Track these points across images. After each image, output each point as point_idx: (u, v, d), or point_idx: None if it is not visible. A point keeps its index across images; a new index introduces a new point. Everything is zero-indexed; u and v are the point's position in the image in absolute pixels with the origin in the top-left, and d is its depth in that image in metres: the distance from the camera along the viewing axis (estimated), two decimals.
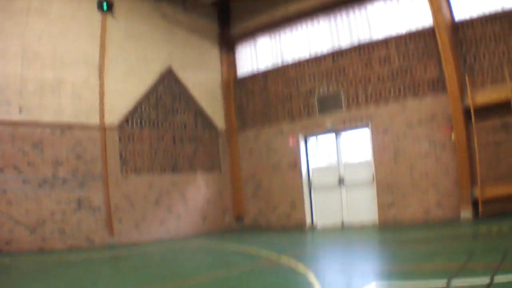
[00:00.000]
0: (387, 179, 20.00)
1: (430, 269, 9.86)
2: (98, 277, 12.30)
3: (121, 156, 20.28)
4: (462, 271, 8.96)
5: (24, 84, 17.66)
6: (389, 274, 10.13)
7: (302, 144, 22.77)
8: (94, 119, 19.56)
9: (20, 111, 17.45)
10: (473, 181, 17.82)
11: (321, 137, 22.51)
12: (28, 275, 12.28)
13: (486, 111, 17.49)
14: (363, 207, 21.01)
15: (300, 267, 11.14)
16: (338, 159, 22.06)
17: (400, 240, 15.39)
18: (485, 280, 7.58)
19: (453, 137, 18.14)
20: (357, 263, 12.27)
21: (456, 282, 8.00)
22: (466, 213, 17.70)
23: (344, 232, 19.95)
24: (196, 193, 23.02)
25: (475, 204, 17.71)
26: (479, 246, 12.53)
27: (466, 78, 17.61)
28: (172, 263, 14.50)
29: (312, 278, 9.87)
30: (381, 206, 20.05)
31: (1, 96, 17.04)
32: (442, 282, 7.96)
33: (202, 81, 24.26)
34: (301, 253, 14.63)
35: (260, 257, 13.96)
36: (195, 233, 22.65)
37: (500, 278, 7.66)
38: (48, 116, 18.29)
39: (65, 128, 18.67)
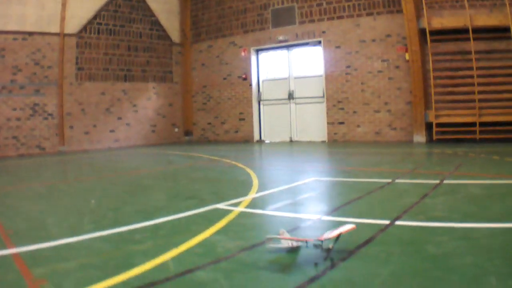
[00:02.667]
0: (338, 96, 21.14)
1: (376, 172, 10.87)
2: (47, 170, 14.43)
3: (77, 63, 21.84)
4: (409, 174, 10.03)
5: None
6: (332, 174, 11.29)
7: (253, 57, 24.18)
8: (55, 28, 20.91)
9: None
10: (427, 104, 18.77)
11: (274, 52, 23.89)
12: None
13: (443, 35, 18.31)
14: (312, 123, 22.45)
15: (239, 165, 12.56)
16: (289, 73, 23.34)
17: (348, 152, 16.37)
18: (432, 181, 8.56)
19: (407, 57, 19.14)
20: (300, 166, 13.41)
21: (400, 180, 9.03)
22: (419, 137, 18.83)
23: (292, 145, 21.21)
24: (147, 103, 24.90)
25: (429, 128, 18.66)
26: (431, 160, 13.75)
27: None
28: (118, 162, 16.15)
29: (249, 170, 11.34)
30: (331, 123, 21.37)
31: None
32: (387, 180, 8.97)
33: None
34: (243, 157, 15.81)
35: (201, 158, 15.66)
36: (144, 143, 24.39)
37: (448, 181, 8.73)
38: (12, 25, 19.70)
39: (26, 35, 20.06)
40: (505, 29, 16.83)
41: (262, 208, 7.01)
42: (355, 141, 20.59)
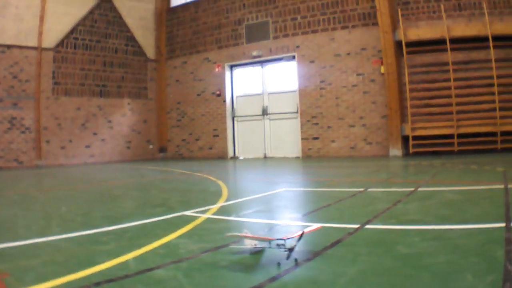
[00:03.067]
0: (312, 111, 21.07)
1: (348, 182, 10.78)
2: (22, 181, 14.34)
3: (54, 77, 21.89)
4: (382, 184, 9.91)
5: None
6: (304, 185, 11.22)
7: (227, 73, 24.16)
8: (33, 41, 21.01)
9: None
10: (403, 117, 18.76)
11: (248, 67, 23.91)
12: None
13: (420, 47, 18.35)
14: (286, 139, 22.36)
15: (211, 178, 12.48)
16: (262, 89, 23.35)
17: (321, 166, 16.27)
18: (406, 189, 8.43)
19: (382, 70, 19.09)
20: (271, 178, 13.35)
21: (373, 189, 8.88)
22: (396, 151, 18.80)
23: (265, 160, 21.12)
24: (122, 119, 24.82)
25: (405, 142, 18.63)
26: (406, 171, 13.67)
27: (399, 11, 18.47)
28: (91, 175, 16.16)
29: (220, 182, 11.24)
30: (305, 139, 21.28)
31: None
32: (359, 189, 8.80)
33: (136, 9, 25.73)
34: (215, 171, 15.71)
35: (173, 172, 15.61)
36: (119, 159, 24.31)
37: (423, 189, 8.68)
38: None
39: (5, 48, 20.15)
40: (484, 39, 16.90)
41: (229, 215, 6.81)
42: (329, 157, 20.45)
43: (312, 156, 21.08)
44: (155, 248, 4.83)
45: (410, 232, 5.15)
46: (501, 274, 3.29)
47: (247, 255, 4.43)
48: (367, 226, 5.50)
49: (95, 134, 23.77)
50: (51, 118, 21.97)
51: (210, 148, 24.64)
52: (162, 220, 6.60)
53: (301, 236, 4.04)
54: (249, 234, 4.58)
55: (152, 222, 6.47)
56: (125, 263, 4.26)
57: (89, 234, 5.71)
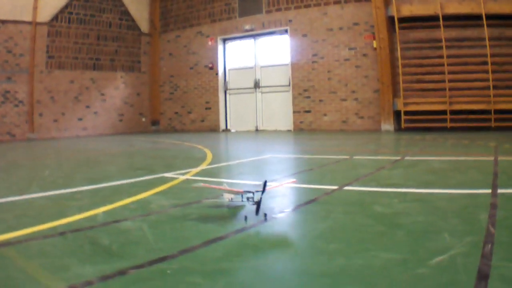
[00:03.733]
0: (304, 84, 20.89)
1: (335, 151, 10.61)
2: (13, 152, 14.50)
3: (47, 51, 21.67)
4: (370, 153, 9.83)
5: None
6: (290, 152, 11.20)
7: (220, 46, 23.96)
8: (28, 16, 20.73)
9: None
10: (395, 92, 18.54)
11: (240, 41, 23.70)
12: None
13: (413, 22, 18.05)
14: (278, 112, 22.27)
15: (199, 147, 12.43)
16: (255, 62, 23.12)
17: (311, 138, 16.02)
18: (393, 158, 8.47)
19: (375, 45, 18.89)
20: (259, 147, 13.28)
21: (358, 157, 8.76)
22: (388, 125, 18.60)
23: (257, 133, 20.91)
24: (115, 92, 24.67)
25: (397, 117, 18.45)
26: (396, 143, 13.33)
27: None
28: (81, 145, 16.01)
29: (206, 150, 11.15)
30: (297, 112, 21.17)
31: None
32: (344, 157, 8.75)
33: None
34: (204, 141, 15.55)
35: (163, 142, 15.60)
36: (112, 132, 24.17)
37: (410, 158, 8.57)
38: None
39: (0, 24, 19.99)
40: (478, 17, 16.62)
41: (209, 176, 6.69)
42: (321, 130, 20.23)
43: (304, 129, 20.88)
44: (127, 204, 4.78)
45: (390, 194, 4.98)
46: (482, 236, 3.16)
47: (220, 209, 4.35)
48: (346, 188, 5.36)
49: (88, 107, 23.59)
50: (44, 91, 21.80)
51: (202, 121, 24.49)
52: (141, 180, 6.54)
53: (264, 187, 3.83)
54: (214, 186, 4.58)
55: (130, 182, 6.39)
56: (94, 216, 4.24)
57: (65, 193, 5.66)
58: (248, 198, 3.97)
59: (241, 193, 4.06)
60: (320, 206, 4.49)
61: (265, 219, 3.83)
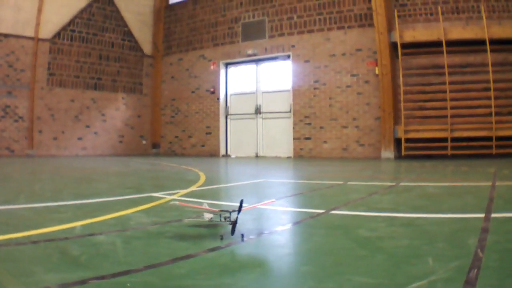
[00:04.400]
0: (305, 111, 20.92)
1: (330, 177, 10.55)
2: (8, 166, 14.59)
3: (49, 68, 21.87)
4: (365, 179, 9.66)
5: None
6: (284, 177, 11.14)
7: (222, 71, 24.05)
8: (30, 31, 20.99)
9: None
10: (396, 120, 18.55)
11: (243, 66, 23.83)
12: None
13: (415, 48, 18.13)
14: (279, 139, 22.22)
15: (194, 170, 12.41)
16: (256, 87, 23.25)
17: (310, 164, 16.00)
18: (387, 183, 8.39)
19: (377, 71, 18.92)
20: (254, 172, 13.11)
21: (353, 183, 8.65)
22: (388, 153, 18.59)
23: (257, 159, 20.80)
24: (116, 113, 24.75)
25: (398, 144, 18.44)
26: (394, 169, 13.35)
27: (395, 13, 18.26)
28: (78, 164, 16.10)
29: (201, 173, 11.11)
30: (297, 139, 21.15)
31: None
32: (338, 182, 8.66)
33: (134, 5, 25.71)
34: (201, 165, 15.53)
35: (160, 164, 15.63)
36: (112, 153, 24.26)
37: (405, 183, 8.60)
38: None
39: (2, 37, 20.14)
40: (481, 42, 16.65)
41: (196, 197, 6.59)
42: (321, 157, 20.18)
43: (304, 156, 20.84)
44: (107, 219, 4.76)
45: (377, 218, 4.85)
46: (469, 260, 3.02)
47: (197, 228, 4.29)
48: (333, 212, 5.25)
49: (88, 126, 23.69)
50: (44, 108, 21.92)
51: (203, 146, 24.48)
52: (127, 199, 6.50)
53: (240, 207, 3.75)
54: (190, 205, 4.59)
55: (116, 200, 6.40)
56: (72, 228, 4.24)
57: (50, 206, 5.70)
58: (225, 218, 3.90)
59: (218, 213, 3.98)
60: (303, 228, 4.41)
61: (242, 240, 3.73)
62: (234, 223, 3.74)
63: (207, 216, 4.18)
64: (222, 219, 3.94)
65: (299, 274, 2.89)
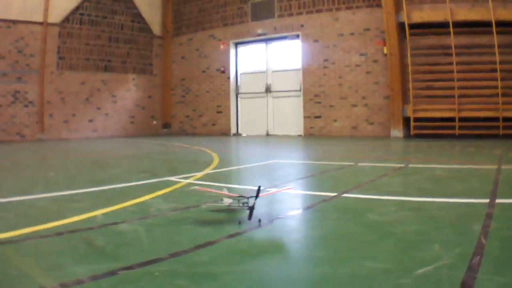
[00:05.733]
0: (315, 90, 20.97)
1: (340, 157, 10.65)
2: (20, 152, 14.52)
3: (58, 52, 21.84)
4: (374, 160, 9.84)
5: None
6: (295, 158, 11.24)
7: (232, 50, 24.10)
8: (38, 17, 20.88)
9: None
10: (405, 99, 18.55)
11: (252, 45, 23.84)
12: None
13: (423, 29, 18.03)
14: (289, 117, 22.33)
15: (207, 151, 12.53)
16: (266, 66, 23.26)
17: (320, 143, 16.05)
18: (396, 165, 8.49)
19: (385, 51, 18.93)
20: (265, 152, 13.27)
21: (363, 164, 8.79)
22: (397, 132, 18.62)
23: (267, 138, 20.95)
24: (126, 94, 24.81)
25: (407, 123, 18.44)
26: (402, 149, 13.47)
27: None
28: (90, 147, 16.23)
29: (214, 154, 11.24)
30: (308, 117, 21.23)
31: None
32: (348, 163, 8.83)
33: None
34: (213, 145, 15.62)
35: (172, 145, 15.69)
36: (123, 134, 24.29)
37: (414, 165, 8.73)
38: None
39: (10, 24, 20.10)
40: (487, 24, 16.57)
41: (211, 180, 6.71)
42: (331, 136, 20.25)
43: (314, 134, 20.95)
44: (127, 207, 4.86)
45: (387, 202, 5.03)
46: (472, 247, 3.16)
47: (218, 214, 4.39)
48: (344, 195, 5.40)
49: (98, 108, 23.74)
50: (54, 92, 21.94)
51: (213, 125, 24.62)
52: (144, 184, 6.60)
53: (258, 193, 3.92)
54: (209, 189, 4.62)
55: (133, 185, 6.47)
56: (93, 218, 4.31)
57: (67, 194, 5.74)
58: (243, 203, 4.04)
59: (236, 198, 4.16)
60: (315, 213, 4.54)
61: (259, 225, 3.88)
62: (251, 209, 3.91)
63: (226, 201, 4.36)
64: (240, 204, 4.10)
65: (314, 259, 3.06)
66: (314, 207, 4.78)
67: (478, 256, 2.97)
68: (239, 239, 3.52)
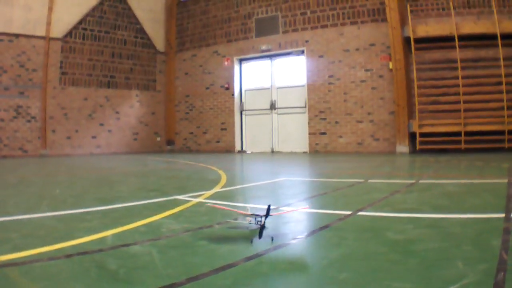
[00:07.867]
0: (320, 106, 20.92)
1: (349, 174, 10.67)
2: (24, 168, 14.69)
3: (61, 67, 21.87)
4: (384, 176, 9.89)
5: None
6: (304, 175, 11.21)
7: (236, 66, 24.04)
8: (41, 31, 21.01)
9: None
10: (410, 114, 18.57)
11: (257, 61, 23.79)
12: None
13: (428, 43, 18.11)
14: (294, 134, 22.21)
15: (213, 168, 12.43)
16: (271, 83, 23.21)
17: (326, 160, 16.02)
18: (407, 181, 8.44)
19: (391, 66, 18.91)
20: (273, 170, 13.27)
21: (373, 180, 8.71)
22: (403, 147, 18.57)
23: (272, 155, 20.89)
24: (130, 111, 24.77)
25: (412, 139, 18.40)
26: (410, 165, 13.41)
27: (408, 7, 18.15)
28: (94, 163, 16.19)
29: (221, 172, 11.16)
30: (313, 134, 21.15)
31: None
32: (359, 180, 8.70)
33: (146, 2, 25.69)
34: (219, 162, 15.54)
35: (177, 162, 15.67)
36: (126, 151, 24.30)
37: (424, 181, 8.77)
38: None
39: (13, 37, 20.16)
40: (493, 37, 16.60)
41: (221, 199, 6.63)
42: (336, 152, 20.24)
43: (320, 151, 20.87)
44: (137, 227, 4.75)
45: (403, 219, 4.94)
46: (495, 263, 3.10)
47: (231, 233, 4.33)
48: (360, 213, 5.32)
49: (101, 124, 23.71)
50: (57, 107, 21.94)
51: (218, 142, 24.52)
52: (153, 202, 6.52)
53: (268, 211, 3.87)
54: (222, 207, 4.71)
55: (141, 204, 6.37)
56: (103, 239, 4.20)
57: (75, 213, 5.65)
58: (257, 222, 3.96)
59: (248, 216, 4.11)
60: (333, 232, 4.45)
61: (272, 242, 3.85)
62: (261, 227, 3.84)
63: (240, 220, 4.26)
64: (252, 223, 4.01)
65: (339, 282, 2.95)
66: (330, 226, 4.68)
67: (502, 272, 2.92)
68: (259, 261, 3.42)
